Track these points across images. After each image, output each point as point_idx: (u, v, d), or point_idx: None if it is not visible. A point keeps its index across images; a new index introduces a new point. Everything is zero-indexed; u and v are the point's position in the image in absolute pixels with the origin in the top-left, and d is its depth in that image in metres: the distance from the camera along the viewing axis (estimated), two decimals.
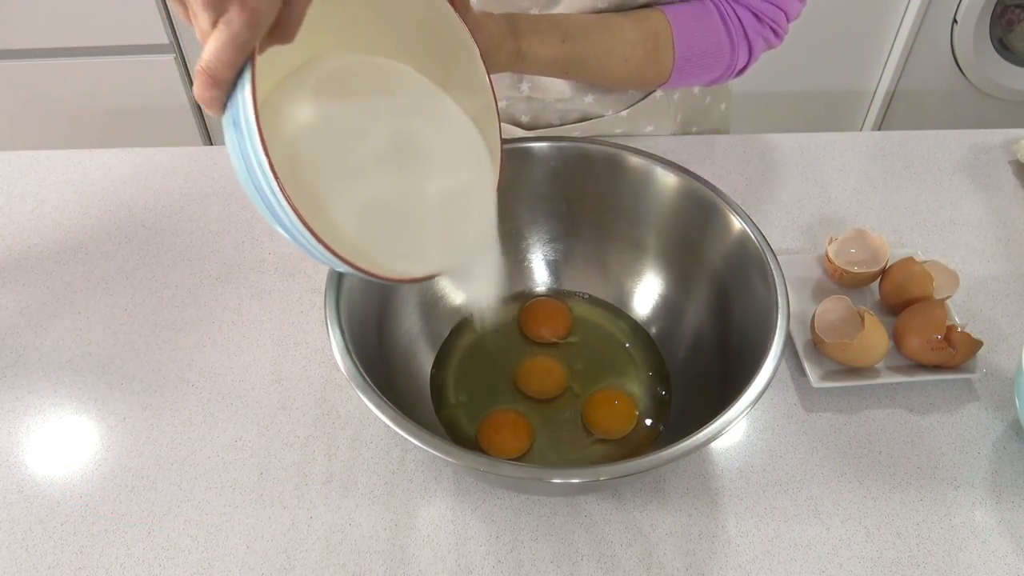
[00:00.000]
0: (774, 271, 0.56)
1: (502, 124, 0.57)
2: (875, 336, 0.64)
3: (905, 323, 0.66)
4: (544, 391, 0.64)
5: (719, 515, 0.58)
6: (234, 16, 0.37)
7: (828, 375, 0.65)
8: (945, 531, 0.58)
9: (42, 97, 1.54)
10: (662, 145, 0.85)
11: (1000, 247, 0.78)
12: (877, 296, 0.72)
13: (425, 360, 0.66)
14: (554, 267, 0.71)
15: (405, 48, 0.53)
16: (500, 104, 0.58)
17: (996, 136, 0.90)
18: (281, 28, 0.39)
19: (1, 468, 0.61)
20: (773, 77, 1.63)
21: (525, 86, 0.79)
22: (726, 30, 0.71)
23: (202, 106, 0.39)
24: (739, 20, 0.71)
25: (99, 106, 1.56)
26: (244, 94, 0.38)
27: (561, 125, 0.83)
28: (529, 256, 0.71)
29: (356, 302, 0.55)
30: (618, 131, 0.84)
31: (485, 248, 0.54)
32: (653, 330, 0.68)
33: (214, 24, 0.37)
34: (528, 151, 0.65)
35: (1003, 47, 1.66)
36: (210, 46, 0.37)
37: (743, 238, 0.59)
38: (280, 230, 0.42)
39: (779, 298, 0.55)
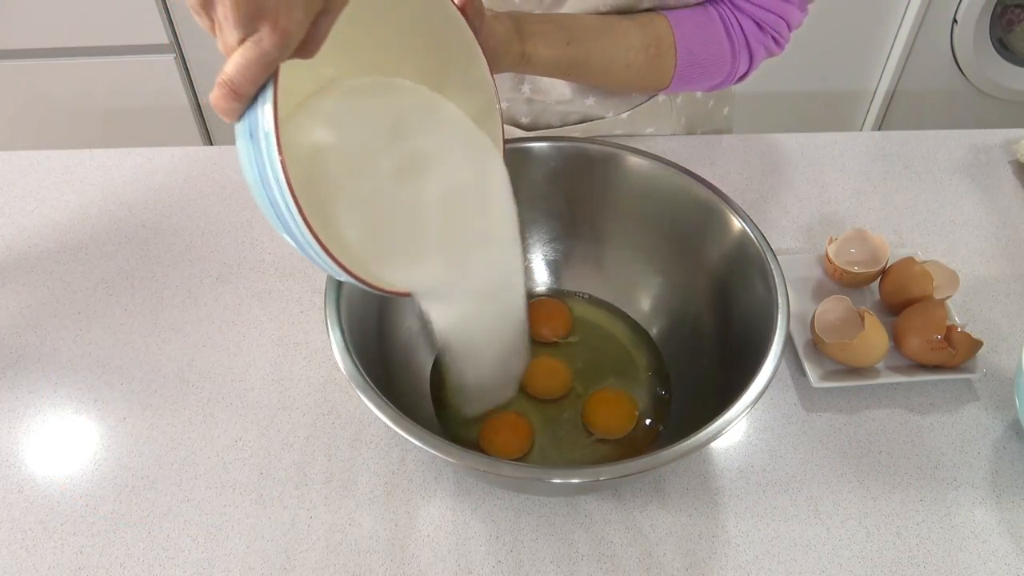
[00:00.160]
0: (774, 271, 0.56)
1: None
2: (875, 336, 0.64)
3: (905, 323, 0.66)
4: (549, 391, 0.64)
5: (719, 515, 0.58)
6: (265, 36, 0.37)
7: (828, 375, 0.65)
8: (945, 531, 0.58)
9: (42, 97, 1.54)
10: (662, 145, 0.85)
11: (1000, 247, 0.78)
12: (877, 296, 0.72)
13: (425, 360, 0.66)
14: (554, 267, 0.71)
15: (408, 48, 0.54)
16: (501, 105, 0.58)
17: (996, 136, 0.90)
18: (305, 45, 0.40)
19: (1, 468, 0.61)
20: (773, 77, 1.62)
21: (526, 88, 0.79)
22: (728, 38, 0.71)
23: (217, 113, 0.39)
24: (741, 28, 0.71)
25: (99, 106, 1.56)
26: (265, 109, 0.38)
27: (562, 126, 0.83)
28: (529, 256, 0.71)
29: (356, 302, 0.55)
30: (618, 132, 0.84)
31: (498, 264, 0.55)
32: (653, 330, 0.68)
33: (242, 41, 0.37)
34: (528, 151, 0.65)
35: (1003, 47, 1.66)
36: (235, 61, 0.38)
37: (743, 238, 0.59)
38: (288, 239, 0.43)
39: (779, 298, 0.55)
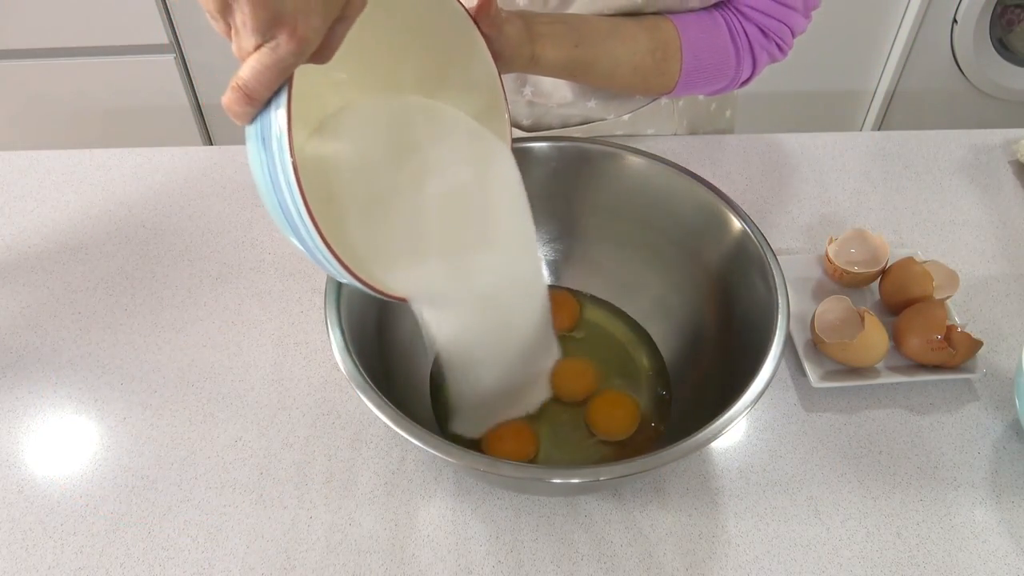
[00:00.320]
0: (774, 271, 0.56)
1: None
2: (875, 336, 0.64)
3: (905, 323, 0.66)
4: (575, 393, 0.63)
5: (719, 515, 0.58)
6: (283, 43, 0.37)
7: (828, 375, 0.65)
8: (945, 531, 0.58)
9: (42, 97, 1.54)
10: (663, 145, 0.85)
11: (1000, 247, 0.78)
12: (877, 296, 0.72)
13: (425, 360, 0.66)
14: (554, 267, 0.71)
15: (413, 47, 0.54)
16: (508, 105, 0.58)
17: (996, 136, 0.90)
18: (321, 51, 0.40)
19: (1, 468, 0.61)
20: (773, 77, 1.62)
21: (528, 90, 0.79)
22: (733, 44, 0.71)
23: (229, 115, 0.39)
24: (746, 34, 0.71)
25: (99, 106, 1.56)
26: (278, 113, 0.39)
27: (563, 128, 0.83)
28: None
29: (356, 302, 0.55)
30: (619, 133, 0.84)
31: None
32: (653, 330, 0.68)
33: (258, 47, 0.38)
34: (528, 151, 0.65)
35: (1003, 47, 1.66)
36: (251, 66, 0.38)
37: (743, 238, 0.59)
38: (296, 243, 0.43)
39: (779, 298, 0.55)
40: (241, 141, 0.45)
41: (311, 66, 0.40)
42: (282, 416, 0.64)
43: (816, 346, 0.67)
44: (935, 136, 0.90)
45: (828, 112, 1.74)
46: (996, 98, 1.69)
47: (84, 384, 0.66)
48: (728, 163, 0.85)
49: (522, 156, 0.65)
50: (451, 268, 0.53)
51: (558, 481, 0.49)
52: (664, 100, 0.83)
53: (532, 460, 0.61)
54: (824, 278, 0.74)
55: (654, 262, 0.68)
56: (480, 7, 0.53)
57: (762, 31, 0.72)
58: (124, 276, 0.74)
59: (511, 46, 0.60)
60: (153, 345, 0.69)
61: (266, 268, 0.75)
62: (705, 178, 0.63)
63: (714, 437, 0.48)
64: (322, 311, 0.54)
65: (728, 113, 0.91)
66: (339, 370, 0.51)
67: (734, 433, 0.63)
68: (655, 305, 0.68)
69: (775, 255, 0.57)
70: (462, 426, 0.61)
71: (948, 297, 0.69)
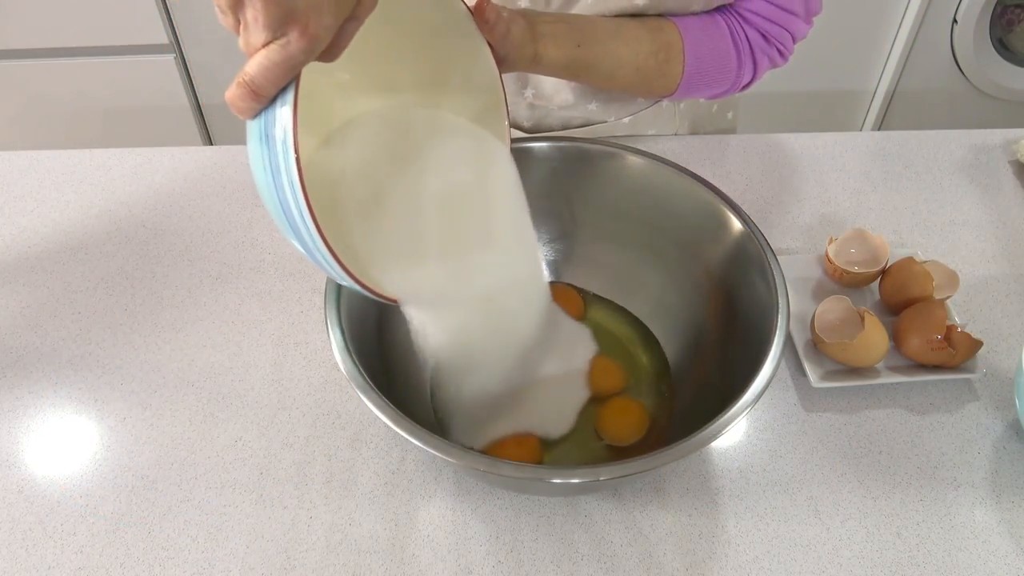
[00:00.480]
0: (774, 271, 0.56)
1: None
2: (875, 336, 0.64)
3: (905, 323, 0.66)
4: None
5: (719, 515, 0.58)
6: (294, 40, 0.37)
7: (828, 375, 0.65)
8: (945, 531, 0.58)
9: (42, 97, 1.54)
10: (663, 145, 0.85)
11: (1000, 247, 0.78)
12: (877, 296, 0.72)
13: (425, 360, 0.65)
14: (554, 267, 0.71)
15: (414, 47, 0.54)
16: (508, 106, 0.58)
17: (996, 136, 0.90)
18: (329, 49, 0.40)
19: (1, 468, 0.61)
20: (773, 77, 1.61)
21: (529, 92, 0.78)
22: (735, 48, 0.71)
23: (232, 109, 0.39)
24: (747, 39, 0.71)
25: (99, 106, 1.56)
26: (284, 111, 0.38)
27: (563, 129, 0.83)
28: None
29: (356, 302, 0.55)
30: (620, 133, 0.84)
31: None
32: (655, 328, 0.68)
33: (267, 43, 0.37)
34: (528, 151, 0.65)
35: (1003, 47, 1.66)
36: (259, 62, 0.38)
37: (743, 238, 0.59)
38: (296, 243, 0.43)
39: (779, 298, 0.55)
40: (241, 141, 0.44)
41: (313, 66, 0.40)
42: (282, 416, 0.64)
43: (816, 346, 0.67)
44: (935, 136, 0.90)
45: (828, 112, 1.74)
46: (996, 98, 1.69)
47: (84, 384, 0.66)
48: (728, 163, 0.85)
49: (522, 156, 0.65)
50: (450, 269, 0.53)
51: (558, 481, 0.49)
52: (665, 103, 0.83)
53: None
54: (824, 278, 0.74)
55: (654, 262, 0.68)
56: (475, 11, 0.53)
57: (763, 36, 0.72)
58: (124, 276, 0.74)
59: (514, 46, 0.60)
60: (153, 345, 0.69)
61: (266, 268, 0.75)
62: (705, 178, 0.63)
63: (714, 437, 0.48)
64: (322, 311, 0.54)
65: (730, 115, 0.91)
66: (339, 370, 0.51)
67: (734, 433, 0.63)
68: (655, 305, 0.68)
69: (775, 255, 0.57)
70: (463, 435, 0.60)
71: (948, 297, 0.69)
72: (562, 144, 0.65)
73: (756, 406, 0.50)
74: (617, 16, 0.69)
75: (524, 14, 0.63)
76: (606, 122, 0.82)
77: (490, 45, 0.55)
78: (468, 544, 0.57)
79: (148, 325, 0.70)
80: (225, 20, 0.39)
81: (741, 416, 0.49)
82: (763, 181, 0.84)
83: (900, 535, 0.58)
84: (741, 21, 0.71)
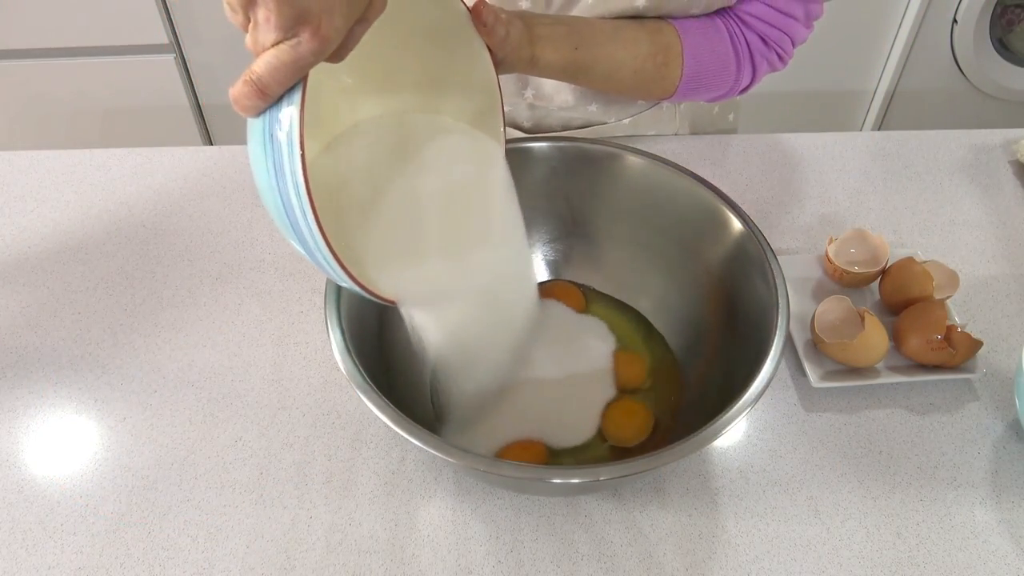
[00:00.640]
0: (774, 271, 0.56)
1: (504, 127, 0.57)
2: (875, 336, 0.64)
3: (905, 323, 0.66)
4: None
5: (719, 515, 0.58)
6: (304, 41, 0.37)
7: (828, 375, 0.65)
8: (945, 531, 0.58)
9: (42, 97, 1.54)
10: (663, 145, 0.85)
11: (1000, 247, 0.78)
12: (877, 296, 0.72)
13: (426, 361, 0.65)
14: (554, 267, 0.71)
15: (413, 49, 0.54)
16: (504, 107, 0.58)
17: (996, 136, 0.90)
18: (337, 51, 0.40)
19: (1, 468, 0.61)
20: (773, 77, 1.61)
21: (529, 93, 0.78)
22: (734, 51, 0.71)
23: (235, 106, 0.39)
24: (746, 42, 0.71)
25: (99, 106, 1.56)
26: (290, 111, 0.38)
27: (563, 130, 0.83)
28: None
29: (356, 302, 0.55)
30: (620, 134, 0.84)
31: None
32: (658, 326, 0.68)
33: (277, 43, 0.37)
34: (528, 151, 0.65)
35: (1003, 47, 1.66)
36: (267, 61, 0.38)
37: (743, 238, 0.59)
38: (296, 244, 0.43)
39: (779, 298, 0.55)
40: (242, 141, 0.44)
41: (316, 67, 0.40)
42: (282, 416, 0.64)
43: (816, 346, 0.67)
44: (935, 136, 0.90)
45: (828, 112, 1.74)
46: (996, 98, 1.69)
47: (84, 384, 0.66)
48: (728, 163, 0.85)
49: (522, 156, 0.65)
50: (447, 265, 0.53)
51: (558, 481, 0.49)
52: (666, 104, 0.82)
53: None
54: (824, 278, 0.74)
55: (655, 262, 0.68)
56: (472, 13, 0.54)
57: (763, 39, 0.72)
58: (124, 276, 0.74)
59: (511, 48, 0.60)
60: (153, 345, 0.69)
61: (266, 268, 0.75)
62: (705, 178, 0.63)
63: (714, 437, 0.48)
64: (322, 311, 0.54)
65: (731, 116, 0.91)
66: (339, 370, 0.51)
67: (734, 433, 0.63)
68: (656, 304, 0.68)
69: (775, 255, 0.57)
70: (463, 435, 0.60)
71: (948, 297, 0.69)
72: (562, 144, 0.65)
73: (756, 406, 0.50)
74: (617, 18, 0.69)
75: (522, 16, 0.63)
76: (606, 123, 0.82)
77: (488, 47, 0.55)
78: (468, 544, 0.57)
79: (148, 325, 0.70)
80: (235, 18, 0.39)
81: (741, 416, 0.49)
82: (763, 181, 0.84)
83: (900, 535, 0.58)
84: (741, 24, 0.71)
